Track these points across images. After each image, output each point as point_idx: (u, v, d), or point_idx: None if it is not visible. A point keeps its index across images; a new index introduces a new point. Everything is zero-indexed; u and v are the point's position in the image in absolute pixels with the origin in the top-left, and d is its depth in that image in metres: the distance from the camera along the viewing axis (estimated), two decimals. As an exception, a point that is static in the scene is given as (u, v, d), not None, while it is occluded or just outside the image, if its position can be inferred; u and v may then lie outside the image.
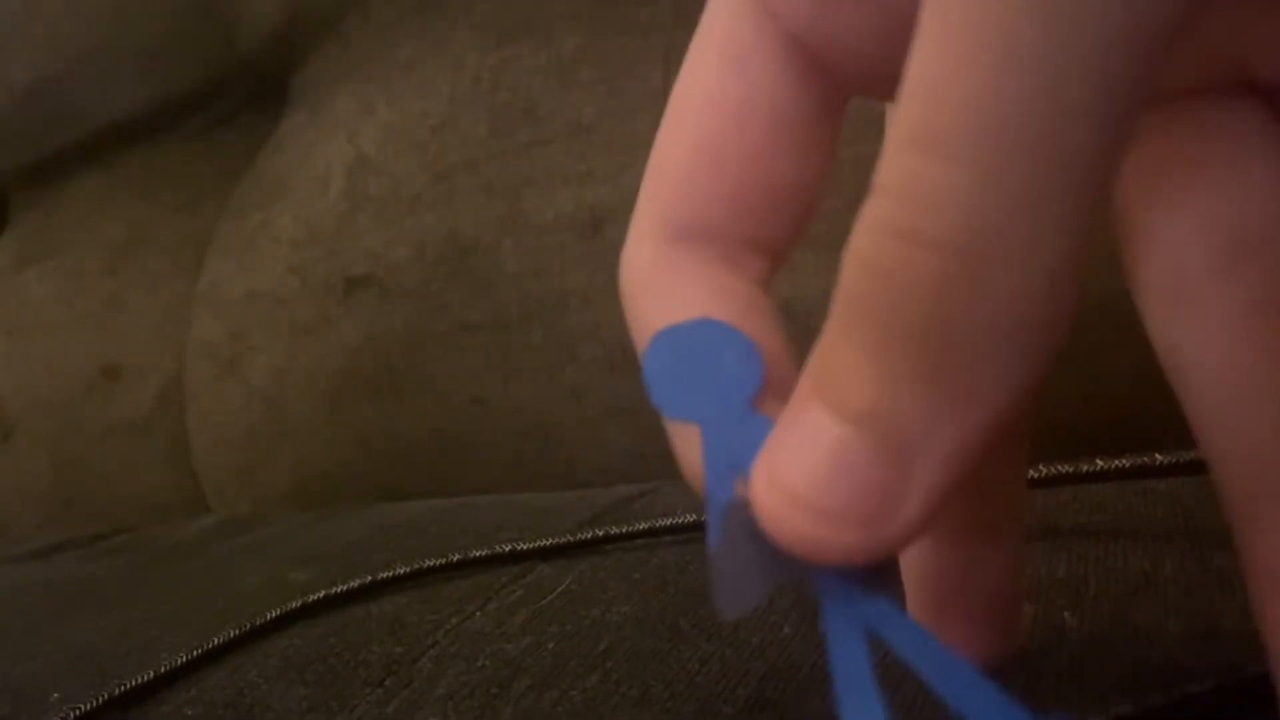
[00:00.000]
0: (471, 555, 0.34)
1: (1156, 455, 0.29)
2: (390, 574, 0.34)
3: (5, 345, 0.70)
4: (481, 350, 0.52)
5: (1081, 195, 0.13)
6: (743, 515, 0.15)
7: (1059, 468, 0.29)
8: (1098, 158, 0.13)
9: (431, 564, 0.34)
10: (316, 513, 0.52)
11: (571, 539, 0.34)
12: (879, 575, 0.15)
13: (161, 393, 0.64)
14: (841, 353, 0.14)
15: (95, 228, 0.68)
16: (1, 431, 0.69)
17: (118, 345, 0.66)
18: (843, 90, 0.18)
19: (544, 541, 0.34)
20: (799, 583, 0.15)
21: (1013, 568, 0.21)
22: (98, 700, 0.29)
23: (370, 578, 0.34)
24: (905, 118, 0.13)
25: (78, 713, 0.29)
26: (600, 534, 0.34)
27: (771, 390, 0.16)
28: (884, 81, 0.16)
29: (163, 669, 0.31)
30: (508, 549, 0.34)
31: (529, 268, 0.51)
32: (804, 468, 0.14)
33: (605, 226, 0.49)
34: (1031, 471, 0.30)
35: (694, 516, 0.33)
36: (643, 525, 0.34)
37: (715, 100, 0.18)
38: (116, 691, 0.30)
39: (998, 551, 0.20)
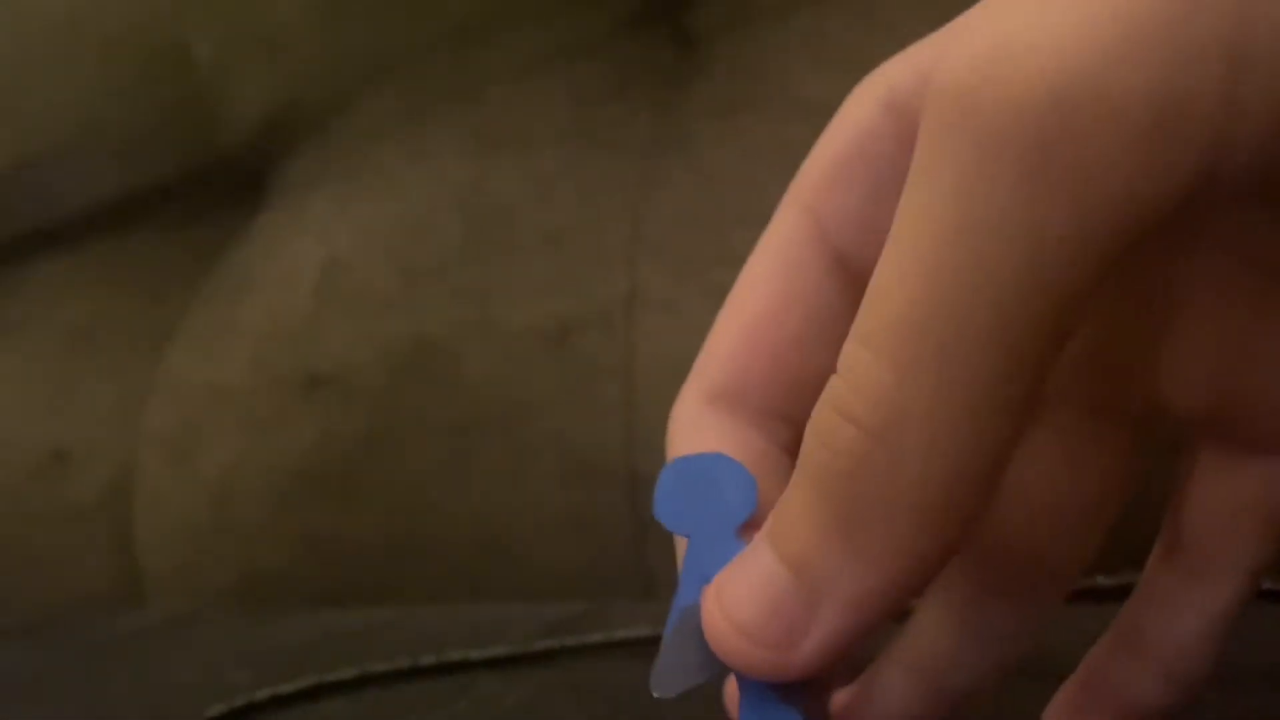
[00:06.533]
0: (420, 663, 0.34)
1: (1099, 578, 0.29)
2: (336, 678, 0.34)
3: (-47, 424, 0.69)
4: (439, 455, 0.52)
5: (982, 418, 0.16)
6: (694, 618, 0.18)
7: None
8: (997, 390, 0.16)
9: (379, 670, 0.34)
10: (260, 613, 0.51)
11: (523, 650, 0.34)
12: (794, 691, 0.18)
13: (111, 480, 0.63)
14: (791, 503, 0.18)
15: (57, 310, 0.68)
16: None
17: (69, 429, 0.65)
18: None
19: (495, 652, 0.34)
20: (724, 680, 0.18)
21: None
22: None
23: (316, 680, 0.34)
24: (860, 315, 0.17)
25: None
26: (554, 645, 0.34)
27: (759, 525, 0.19)
28: None
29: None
30: (458, 658, 0.34)
31: (493, 374, 0.51)
32: (741, 591, 0.18)
33: (572, 337, 0.50)
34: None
35: (649, 630, 0.33)
36: (597, 637, 0.33)
37: (764, 294, 0.21)
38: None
39: None
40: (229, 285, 0.61)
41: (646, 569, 0.47)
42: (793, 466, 0.18)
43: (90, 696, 0.40)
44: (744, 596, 0.18)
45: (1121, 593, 0.23)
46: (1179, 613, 0.21)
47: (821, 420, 0.17)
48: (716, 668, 0.18)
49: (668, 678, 0.19)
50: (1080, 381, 0.21)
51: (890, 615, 0.17)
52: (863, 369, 0.16)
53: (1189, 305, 0.20)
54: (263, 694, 0.33)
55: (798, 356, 0.21)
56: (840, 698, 0.24)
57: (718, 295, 0.23)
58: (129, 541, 0.62)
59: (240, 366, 0.58)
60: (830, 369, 0.18)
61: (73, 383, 0.66)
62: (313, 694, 0.34)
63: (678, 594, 0.19)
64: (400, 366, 0.53)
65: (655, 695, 0.18)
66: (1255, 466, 0.20)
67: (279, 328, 0.57)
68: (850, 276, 0.21)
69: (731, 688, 0.21)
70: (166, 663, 0.44)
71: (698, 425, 0.21)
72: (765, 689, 0.18)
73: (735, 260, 0.23)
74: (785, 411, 0.21)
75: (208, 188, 0.65)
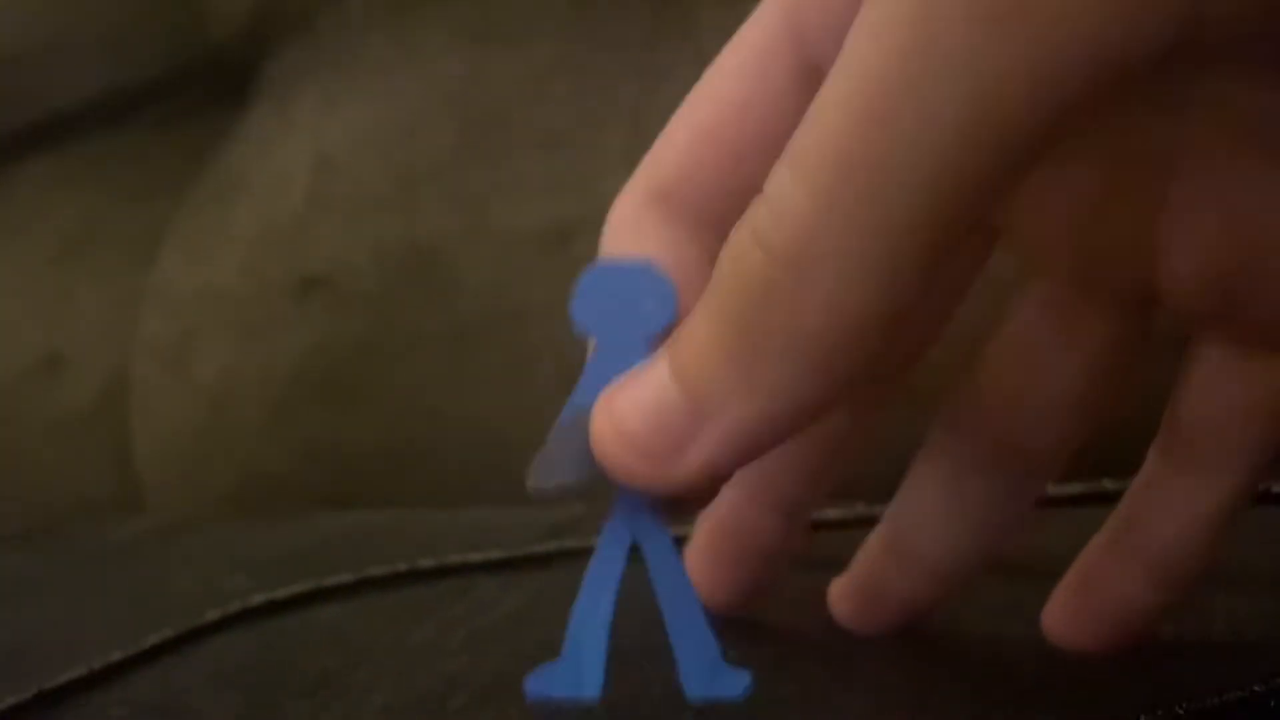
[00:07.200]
0: (419, 566, 0.34)
1: (1105, 482, 0.29)
2: (334, 582, 0.34)
3: (-55, 331, 0.69)
4: (437, 361, 0.52)
5: (897, 264, 0.15)
6: (584, 419, 0.18)
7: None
8: (918, 237, 0.15)
9: (376, 574, 0.34)
10: (258, 517, 0.51)
11: (522, 553, 0.34)
12: (667, 509, 0.19)
13: (105, 387, 0.63)
14: (695, 320, 0.17)
15: (47, 214, 0.67)
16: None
17: (62, 336, 0.65)
18: None
19: (494, 555, 0.34)
20: (601, 487, 0.18)
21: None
22: (22, 697, 0.29)
23: (313, 585, 0.34)
24: (795, 134, 0.16)
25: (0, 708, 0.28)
26: (554, 549, 0.34)
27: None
28: None
29: (91, 668, 0.30)
30: (457, 561, 0.34)
31: (491, 279, 0.51)
32: (631, 400, 0.18)
33: (571, 241, 0.49)
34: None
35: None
36: (596, 540, 0.33)
37: (725, 95, 0.20)
38: (41, 689, 0.29)
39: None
40: (219, 187, 0.61)
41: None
42: None
43: (87, 602, 0.40)
44: (633, 405, 0.18)
45: (1127, 497, 0.23)
46: (1174, 510, 0.21)
47: (736, 241, 0.17)
48: (594, 471, 0.18)
49: (545, 470, 0.19)
50: (1067, 251, 0.20)
51: (770, 449, 0.17)
52: (783, 193, 0.16)
53: (1186, 183, 0.19)
54: (259, 599, 0.33)
55: (748, 165, 0.20)
56: (836, 587, 0.24)
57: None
58: (126, 448, 0.62)
59: (232, 270, 0.58)
60: None
61: (65, 289, 0.66)
62: (310, 598, 0.34)
63: (575, 392, 0.19)
64: (396, 270, 0.53)
65: (529, 486, 0.19)
66: (1258, 362, 0.20)
67: (270, 230, 0.57)
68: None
69: None
70: (164, 568, 0.44)
71: (635, 226, 0.21)
72: (640, 503, 0.19)
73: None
74: (727, 222, 0.20)
75: (196, 85, 0.64)
